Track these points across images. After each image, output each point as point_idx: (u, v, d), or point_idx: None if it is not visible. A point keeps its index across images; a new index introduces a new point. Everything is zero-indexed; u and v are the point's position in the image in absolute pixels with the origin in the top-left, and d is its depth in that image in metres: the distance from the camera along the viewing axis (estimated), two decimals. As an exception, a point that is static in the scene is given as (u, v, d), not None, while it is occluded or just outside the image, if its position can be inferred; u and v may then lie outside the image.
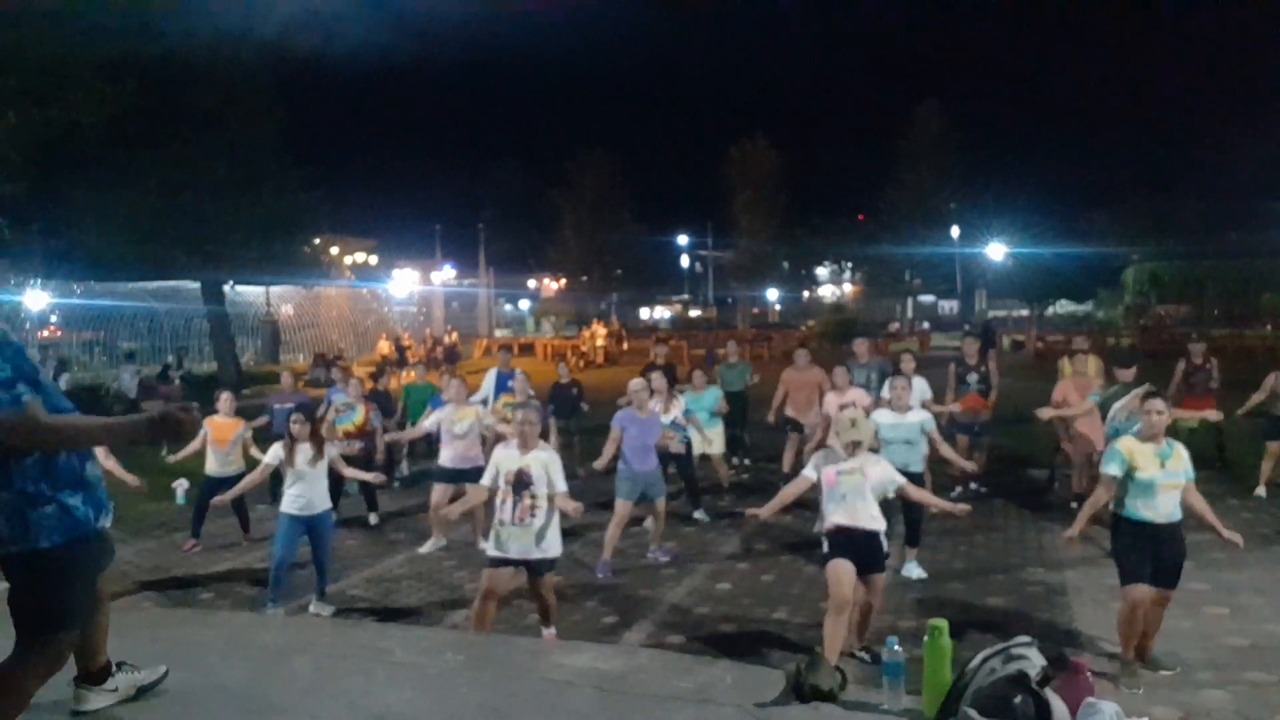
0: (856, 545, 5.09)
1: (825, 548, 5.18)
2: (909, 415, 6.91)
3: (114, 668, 3.53)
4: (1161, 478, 4.84)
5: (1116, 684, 4.75)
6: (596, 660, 4.28)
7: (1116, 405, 7.51)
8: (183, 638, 5.08)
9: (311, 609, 6.47)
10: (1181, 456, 4.94)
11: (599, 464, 7.69)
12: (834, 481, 5.19)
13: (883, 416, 6.91)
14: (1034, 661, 3.50)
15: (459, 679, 4.02)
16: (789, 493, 5.45)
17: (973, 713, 3.36)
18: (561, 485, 5.48)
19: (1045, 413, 8.12)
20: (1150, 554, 4.86)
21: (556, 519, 5.49)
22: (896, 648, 3.98)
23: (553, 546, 5.47)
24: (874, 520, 5.17)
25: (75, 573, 2.96)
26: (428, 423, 8.32)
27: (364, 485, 9.42)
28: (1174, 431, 5.44)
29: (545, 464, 5.46)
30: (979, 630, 5.61)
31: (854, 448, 5.27)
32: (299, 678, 3.99)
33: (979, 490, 9.62)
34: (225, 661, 4.08)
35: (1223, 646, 5.35)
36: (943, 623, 3.88)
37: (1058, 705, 3.39)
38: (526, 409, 5.72)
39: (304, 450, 6.50)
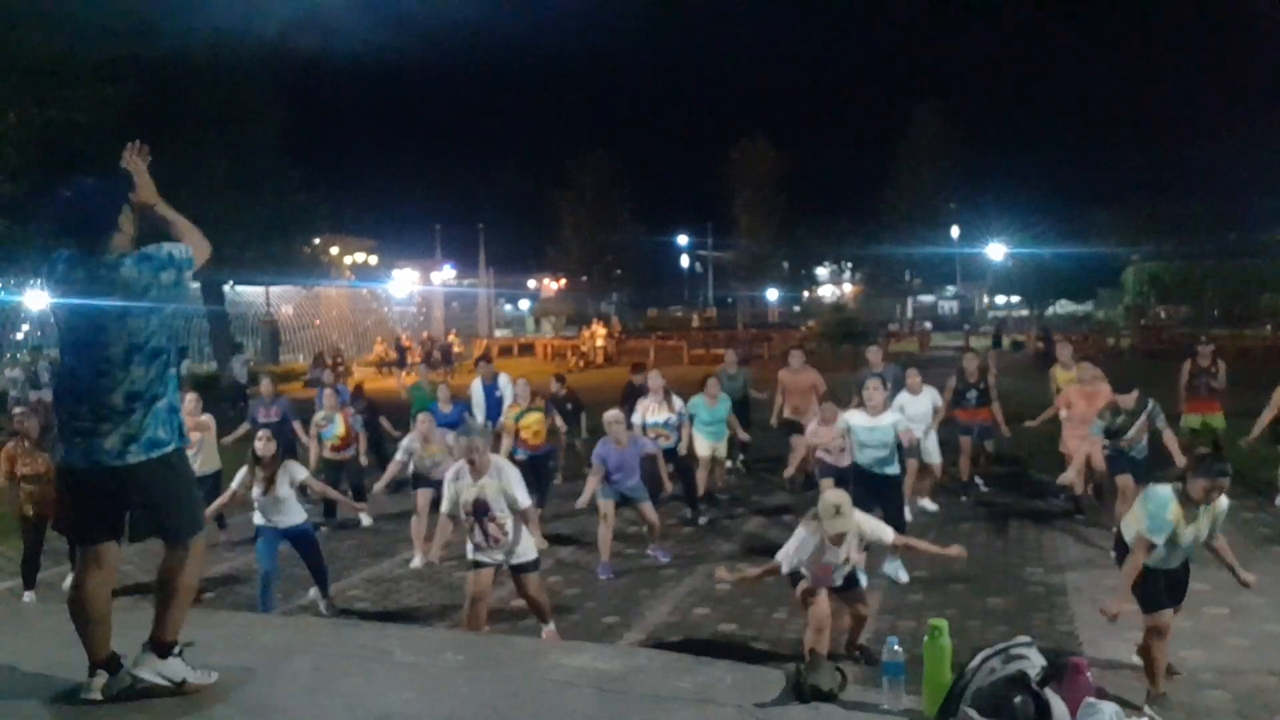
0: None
1: (799, 584, 5.17)
2: (882, 418, 6.88)
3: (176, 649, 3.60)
4: (1193, 538, 4.67)
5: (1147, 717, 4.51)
6: (596, 660, 4.27)
7: (1128, 436, 7.37)
8: (183, 638, 5.07)
9: (311, 594, 6.56)
10: (1215, 511, 4.65)
11: (581, 502, 7.46)
12: (829, 576, 5.12)
13: (856, 419, 6.91)
14: (1034, 661, 3.49)
15: (459, 679, 4.02)
16: (758, 573, 5.37)
17: (972, 713, 3.36)
18: (524, 500, 5.50)
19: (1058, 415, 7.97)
20: (1165, 579, 4.77)
21: (525, 529, 5.58)
22: (896, 648, 3.98)
23: (527, 551, 5.56)
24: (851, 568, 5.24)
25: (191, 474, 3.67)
26: (399, 456, 8.03)
27: (355, 487, 9.43)
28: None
29: (499, 488, 5.45)
30: (979, 630, 5.61)
31: (840, 539, 5.03)
32: (299, 678, 3.98)
33: (981, 488, 9.62)
34: (225, 661, 4.08)
35: (1223, 646, 5.35)
36: (943, 623, 3.87)
37: (1058, 705, 3.39)
38: (470, 436, 5.62)
39: (264, 474, 6.40)
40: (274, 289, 32.91)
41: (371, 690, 3.84)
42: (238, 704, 3.66)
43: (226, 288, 26.61)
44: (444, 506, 5.63)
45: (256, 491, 6.38)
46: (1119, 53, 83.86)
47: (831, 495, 5.09)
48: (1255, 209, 41.65)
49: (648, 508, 7.60)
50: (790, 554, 5.09)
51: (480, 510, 5.44)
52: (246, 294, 32.47)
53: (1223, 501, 4.64)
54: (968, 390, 9.65)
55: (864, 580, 6.65)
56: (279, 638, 4.77)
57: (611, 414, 7.69)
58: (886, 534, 5.26)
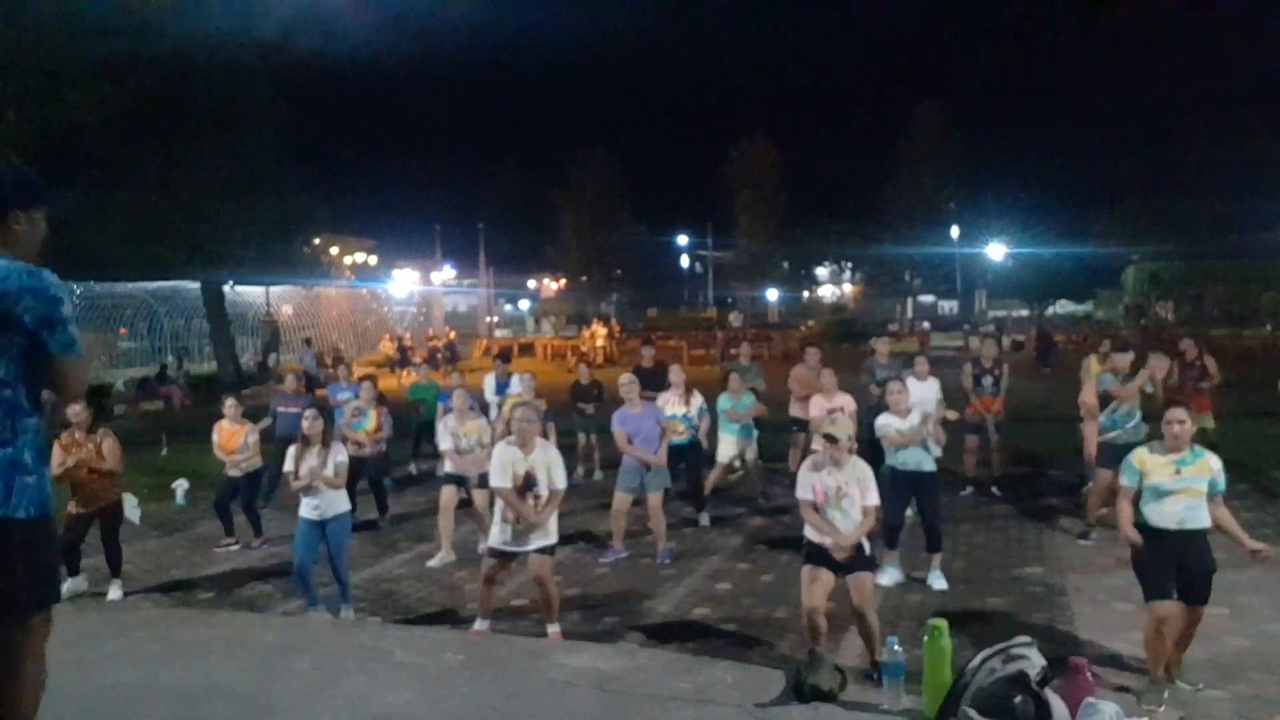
0: (833, 557, 5.06)
1: (804, 553, 5.14)
2: (908, 418, 6.87)
3: None
4: (1172, 484, 4.67)
5: (1139, 700, 4.53)
6: (596, 660, 4.27)
7: (1114, 402, 7.60)
8: (183, 638, 5.07)
9: (342, 615, 6.35)
10: (1207, 465, 4.72)
11: (619, 441, 7.79)
12: (823, 500, 5.13)
13: (885, 422, 6.89)
14: (1034, 661, 3.50)
15: (459, 679, 4.02)
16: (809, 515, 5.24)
17: (972, 713, 3.36)
18: (561, 483, 5.64)
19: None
20: (1173, 566, 4.69)
21: (555, 511, 5.67)
22: (896, 648, 3.98)
23: (549, 536, 5.66)
24: (856, 528, 5.10)
25: (46, 548, 2.85)
26: (445, 444, 7.94)
27: (375, 483, 9.45)
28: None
29: (547, 464, 5.62)
30: (979, 630, 5.60)
31: (830, 442, 5.14)
32: (299, 678, 3.99)
33: (995, 493, 9.59)
34: (225, 661, 4.09)
35: (1223, 646, 5.34)
36: (943, 623, 3.88)
37: (1058, 705, 3.40)
38: (525, 407, 5.87)
39: (314, 453, 6.38)
40: (274, 289, 32.90)
41: (371, 690, 3.84)
42: (238, 704, 3.66)
43: (226, 288, 26.62)
44: (493, 477, 5.66)
45: (304, 470, 6.32)
46: (1119, 53, 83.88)
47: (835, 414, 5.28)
48: (1255, 209, 41.65)
49: (657, 499, 7.61)
50: (802, 476, 5.27)
51: (527, 484, 5.54)
52: (246, 294, 32.47)
53: (1213, 461, 4.75)
54: (983, 376, 9.70)
55: (888, 577, 6.68)
56: (279, 638, 4.78)
57: (626, 377, 8.04)
58: (873, 496, 5.19)
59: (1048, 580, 6.74)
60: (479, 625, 5.77)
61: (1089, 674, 3.71)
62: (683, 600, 6.59)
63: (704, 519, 8.84)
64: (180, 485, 10.42)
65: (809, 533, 5.16)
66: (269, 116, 23.07)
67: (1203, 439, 9.67)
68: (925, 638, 3.86)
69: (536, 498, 5.53)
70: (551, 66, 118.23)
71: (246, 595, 6.99)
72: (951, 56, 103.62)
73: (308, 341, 26.81)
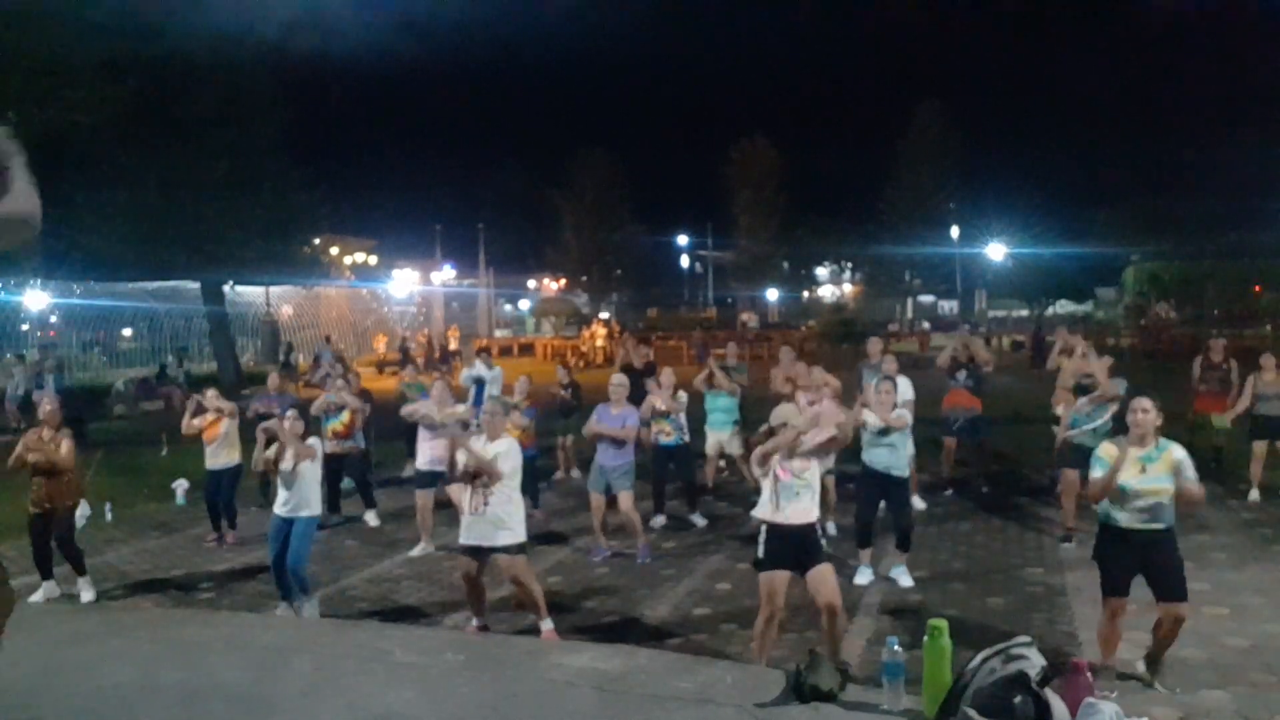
0: (792, 547, 4.94)
1: (760, 551, 5.03)
2: (889, 420, 6.88)
3: None
4: (1138, 484, 4.66)
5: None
6: (596, 660, 4.28)
7: (1082, 400, 7.66)
8: (183, 638, 5.08)
9: (305, 613, 6.31)
10: (1170, 460, 4.67)
11: (586, 430, 8.29)
12: (787, 479, 5.03)
13: (866, 419, 6.91)
14: (1034, 661, 3.50)
15: (459, 679, 4.02)
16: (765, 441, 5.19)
17: (972, 713, 3.37)
18: (502, 467, 5.60)
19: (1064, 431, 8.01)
20: (1134, 564, 4.74)
21: (516, 508, 5.69)
22: (896, 648, 3.98)
23: (512, 534, 5.64)
24: (810, 513, 5.01)
25: None
26: (406, 408, 8.56)
27: (361, 484, 9.50)
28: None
29: (499, 453, 5.65)
30: (979, 630, 5.60)
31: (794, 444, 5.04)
32: (299, 678, 3.99)
33: (983, 490, 9.61)
34: (225, 661, 4.09)
35: (1223, 647, 5.34)
36: (943, 623, 3.88)
37: (1057, 705, 3.40)
38: (492, 401, 6.08)
39: (290, 451, 6.42)
40: (274, 289, 32.91)
41: (371, 690, 3.84)
42: (238, 704, 3.66)
43: (226, 288, 26.63)
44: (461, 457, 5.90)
45: (283, 467, 6.41)
46: (1119, 53, 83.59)
47: (787, 406, 5.40)
48: (1255, 209, 41.62)
49: (627, 498, 7.67)
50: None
51: (476, 473, 5.64)
52: (246, 294, 32.48)
53: (1176, 451, 4.71)
54: (957, 370, 9.70)
55: (862, 576, 6.71)
56: (279, 638, 4.78)
57: (616, 377, 8.27)
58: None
59: (1048, 580, 6.74)
60: (474, 623, 5.84)
61: (1089, 674, 3.71)
62: (683, 600, 6.60)
63: (696, 518, 8.86)
64: (180, 485, 10.42)
65: (776, 516, 4.98)
66: (269, 116, 23.07)
67: (1216, 438, 9.76)
68: (925, 638, 3.86)
69: (485, 488, 5.61)
70: (551, 66, 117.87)
71: (246, 595, 6.99)
72: (951, 56, 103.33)
73: (327, 339, 27.45)
